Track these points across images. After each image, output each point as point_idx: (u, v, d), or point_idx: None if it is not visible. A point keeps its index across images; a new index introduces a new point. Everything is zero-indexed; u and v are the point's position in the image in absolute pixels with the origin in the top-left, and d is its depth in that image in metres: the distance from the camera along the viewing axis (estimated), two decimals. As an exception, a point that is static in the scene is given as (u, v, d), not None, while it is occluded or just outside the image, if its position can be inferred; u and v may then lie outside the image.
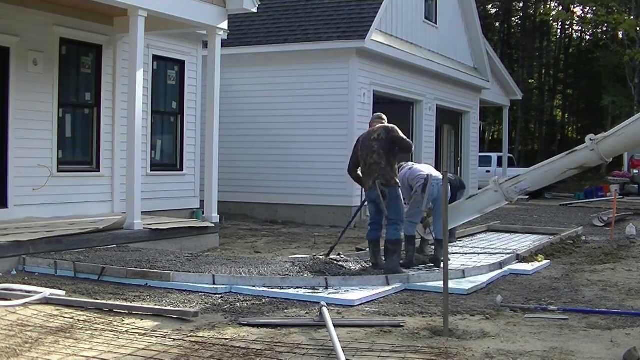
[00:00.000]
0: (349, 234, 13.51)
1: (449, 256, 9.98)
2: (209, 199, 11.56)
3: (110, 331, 5.64)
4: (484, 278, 8.37)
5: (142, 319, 6.07)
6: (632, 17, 32.29)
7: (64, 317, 6.06)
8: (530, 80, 46.78)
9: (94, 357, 4.91)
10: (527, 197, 24.95)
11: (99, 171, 11.78)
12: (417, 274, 8.37)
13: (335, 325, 5.56)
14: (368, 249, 9.02)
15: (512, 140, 40.88)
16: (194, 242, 10.92)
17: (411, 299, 7.31)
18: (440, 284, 6.71)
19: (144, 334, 5.59)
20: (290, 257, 9.74)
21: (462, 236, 12.80)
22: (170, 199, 12.98)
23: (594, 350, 5.31)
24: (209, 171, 11.56)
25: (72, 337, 5.40)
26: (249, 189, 16.41)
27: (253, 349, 5.18)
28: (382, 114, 9.09)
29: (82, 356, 4.93)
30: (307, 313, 6.51)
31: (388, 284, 7.78)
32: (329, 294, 7.30)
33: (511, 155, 31.36)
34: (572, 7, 41.82)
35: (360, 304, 6.95)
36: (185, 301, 6.92)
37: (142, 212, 10.44)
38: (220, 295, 7.21)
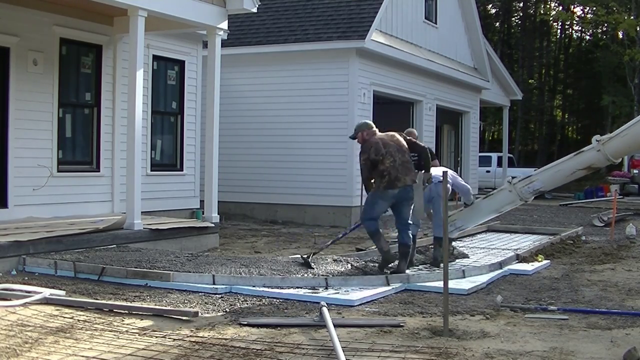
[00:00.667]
0: (349, 234, 13.51)
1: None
2: (209, 199, 11.56)
3: (110, 331, 5.64)
4: (483, 278, 8.37)
5: (142, 319, 6.07)
6: (632, 17, 32.28)
7: (64, 317, 6.06)
8: (530, 80, 46.77)
9: (94, 357, 4.91)
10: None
11: (99, 171, 11.78)
12: (417, 274, 8.38)
13: (335, 325, 5.56)
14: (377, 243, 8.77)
15: (512, 140, 40.89)
16: (194, 242, 10.92)
17: (411, 299, 7.31)
18: (440, 284, 6.71)
19: (144, 334, 5.59)
20: (290, 257, 9.74)
21: (462, 236, 12.78)
22: (170, 199, 12.98)
23: (594, 350, 5.31)
24: (209, 171, 11.56)
25: (72, 337, 5.40)
26: (249, 189, 16.41)
27: (253, 349, 5.18)
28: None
29: (82, 356, 4.93)
30: (307, 313, 6.51)
31: (388, 284, 7.78)
32: (329, 294, 7.31)
33: (511, 155, 31.36)
34: (572, 7, 41.83)
35: (360, 304, 6.95)
36: (185, 301, 6.92)
37: (142, 212, 10.44)
38: (220, 295, 7.21)
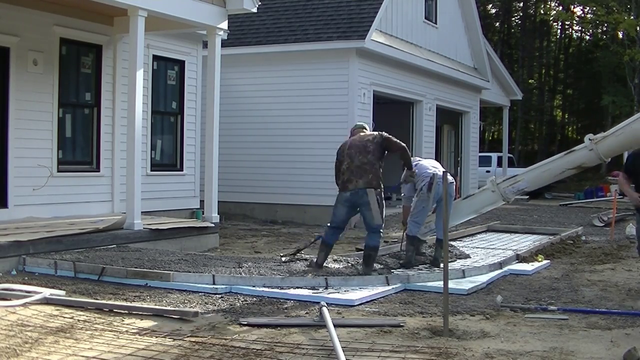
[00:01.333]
0: (348, 234, 13.51)
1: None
2: (209, 199, 11.56)
3: (110, 331, 5.64)
4: (483, 278, 8.37)
5: (142, 319, 6.07)
6: (632, 17, 32.27)
7: (64, 317, 6.06)
8: (530, 80, 46.78)
9: (94, 357, 4.91)
10: (527, 197, 24.95)
11: (99, 171, 11.78)
12: (417, 274, 8.37)
13: (335, 325, 5.56)
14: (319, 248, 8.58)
15: (512, 140, 40.89)
16: (194, 242, 10.92)
17: (411, 299, 7.30)
18: (440, 284, 6.71)
19: (144, 334, 5.59)
20: (290, 257, 9.74)
21: (462, 236, 12.80)
22: (170, 199, 12.98)
23: (594, 350, 5.31)
24: (209, 171, 11.56)
25: (72, 337, 5.40)
26: (249, 189, 16.40)
27: (253, 349, 5.18)
28: (364, 124, 8.99)
29: (82, 356, 4.93)
30: (307, 313, 6.51)
31: (388, 284, 7.78)
32: (329, 294, 7.30)
33: (511, 155, 31.36)
34: (572, 7, 41.81)
35: (360, 304, 6.95)
36: (185, 301, 6.92)
37: (142, 212, 10.44)
38: (220, 295, 7.20)
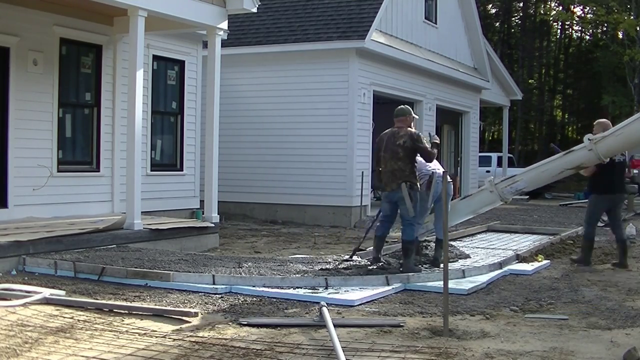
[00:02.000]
0: (349, 234, 13.53)
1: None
2: (209, 199, 11.56)
3: (110, 331, 5.64)
4: (483, 278, 8.36)
5: (142, 319, 6.07)
6: (632, 17, 32.28)
7: (64, 317, 6.06)
8: (530, 80, 46.76)
9: (94, 357, 4.91)
10: (527, 197, 24.95)
11: (99, 171, 11.78)
12: (417, 274, 8.37)
13: (335, 325, 5.56)
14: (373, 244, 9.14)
15: (512, 140, 40.88)
16: (194, 242, 10.92)
17: (411, 299, 7.30)
18: (440, 284, 6.71)
19: (144, 334, 5.59)
20: (290, 257, 9.74)
21: (462, 236, 12.80)
22: (170, 199, 12.98)
23: (594, 350, 5.31)
24: (209, 171, 11.56)
25: (72, 337, 5.40)
26: (249, 189, 16.41)
27: (253, 349, 5.18)
28: (407, 107, 9.21)
29: (82, 356, 4.93)
30: (307, 313, 6.51)
31: (388, 284, 7.78)
32: (329, 294, 7.30)
33: (511, 155, 31.36)
34: (572, 7, 41.82)
35: (360, 304, 6.95)
36: (185, 301, 6.91)
37: (142, 212, 10.44)
38: (220, 295, 7.20)
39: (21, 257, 8.37)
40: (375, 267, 8.57)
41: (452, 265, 8.94)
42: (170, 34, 12.65)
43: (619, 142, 8.44)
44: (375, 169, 9.18)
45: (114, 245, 9.56)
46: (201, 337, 5.53)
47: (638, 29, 32.13)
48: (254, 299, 7.09)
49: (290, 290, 7.38)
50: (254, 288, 7.44)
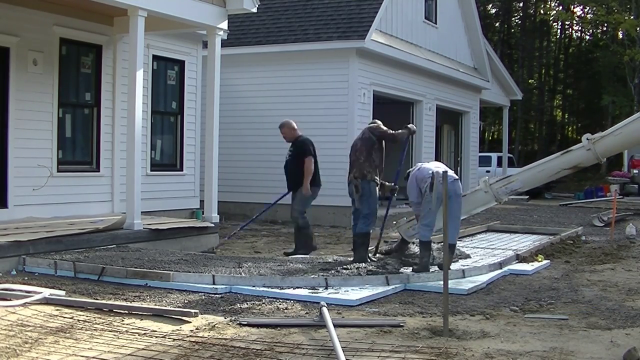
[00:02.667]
0: (349, 234, 13.50)
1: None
2: (209, 199, 11.56)
3: (110, 331, 5.64)
4: (483, 278, 8.37)
5: (142, 319, 6.07)
6: (632, 17, 32.29)
7: (64, 317, 6.06)
8: (530, 80, 46.78)
9: (93, 357, 4.91)
10: (527, 197, 24.96)
11: (98, 171, 11.78)
12: (417, 274, 8.36)
13: (335, 325, 5.56)
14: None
15: (512, 140, 40.87)
16: (194, 242, 10.92)
17: (411, 299, 7.30)
18: (440, 284, 6.71)
19: (144, 334, 5.59)
20: (290, 257, 9.74)
21: (462, 236, 12.78)
22: (170, 199, 12.98)
23: (594, 350, 5.30)
24: (209, 171, 11.56)
25: (72, 337, 5.40)
26: (249, 189, 16.39)
27: (253, 349, 5.18)
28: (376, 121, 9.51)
29: (82, 356, 4.93)
30: (307, 313, 6.51)
31: (388, 284, 7.78)
32: (329, 294, 7.30)
33: (511, 155, 31.36)
34: (572, 7, 41.84)
35: (360, 304, 6.95)
36: (185, 301, 6.91)
37: (142, 212, 10.44)
38: (220, 295, 7.20)
39: (21, 257, 8.37)
40: (356, 267, 8.42)
41: (452, 265, 8.93)
42: (170, 34, 12.65)
43: (618, 142, 8.43)
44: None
45: (114, 245, 9.56)
46: (201, 337, 5.53)
47: (638, 29, 32.14)
48: (254, 299, 7.09)
49: (290, 290, 7.38)
50: (254, 288, 7.44)
